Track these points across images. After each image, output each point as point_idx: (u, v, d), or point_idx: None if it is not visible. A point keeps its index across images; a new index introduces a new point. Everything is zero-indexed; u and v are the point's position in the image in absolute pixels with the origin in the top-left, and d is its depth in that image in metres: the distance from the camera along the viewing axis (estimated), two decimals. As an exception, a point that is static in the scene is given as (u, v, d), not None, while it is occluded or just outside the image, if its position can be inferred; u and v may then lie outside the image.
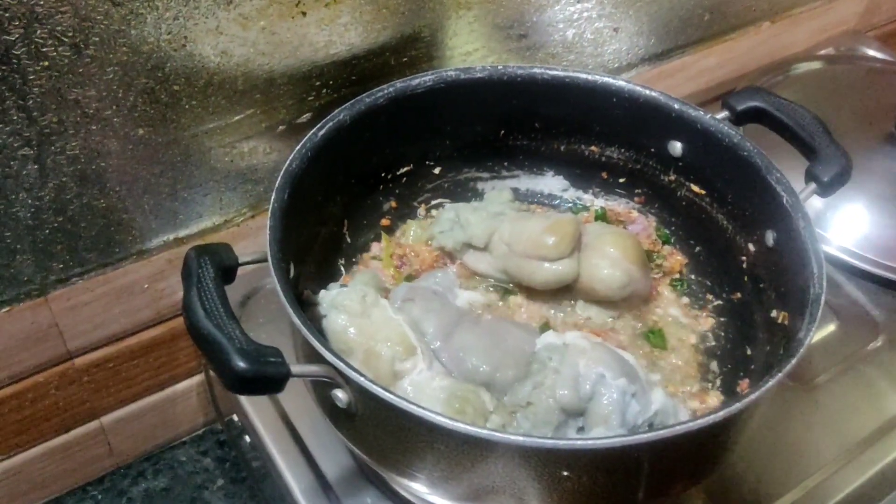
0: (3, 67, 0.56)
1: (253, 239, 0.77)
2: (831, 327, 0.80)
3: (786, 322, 0.61)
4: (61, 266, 0.68)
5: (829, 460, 0.70)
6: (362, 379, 0.49)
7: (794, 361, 0.51)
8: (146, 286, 0.74)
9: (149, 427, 0.85)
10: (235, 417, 0.76)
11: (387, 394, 0.48)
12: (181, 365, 0.83)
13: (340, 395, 0.52)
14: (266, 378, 0.48)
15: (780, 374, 0.50)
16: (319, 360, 0.51)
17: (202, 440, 0.90)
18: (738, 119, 0.69)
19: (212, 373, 0.82)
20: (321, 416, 0.59)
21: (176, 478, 0.87)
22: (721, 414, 0.48)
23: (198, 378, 0.85)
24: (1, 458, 0.76)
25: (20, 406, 0.74)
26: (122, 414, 0.82)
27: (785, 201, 0.62)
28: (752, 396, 0.49)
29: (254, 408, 0.72)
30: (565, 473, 0.49)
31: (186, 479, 0.87)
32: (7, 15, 0.54)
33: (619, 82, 0.72)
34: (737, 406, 0.48)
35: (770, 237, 0.65)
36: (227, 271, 0.55)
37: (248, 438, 0.74)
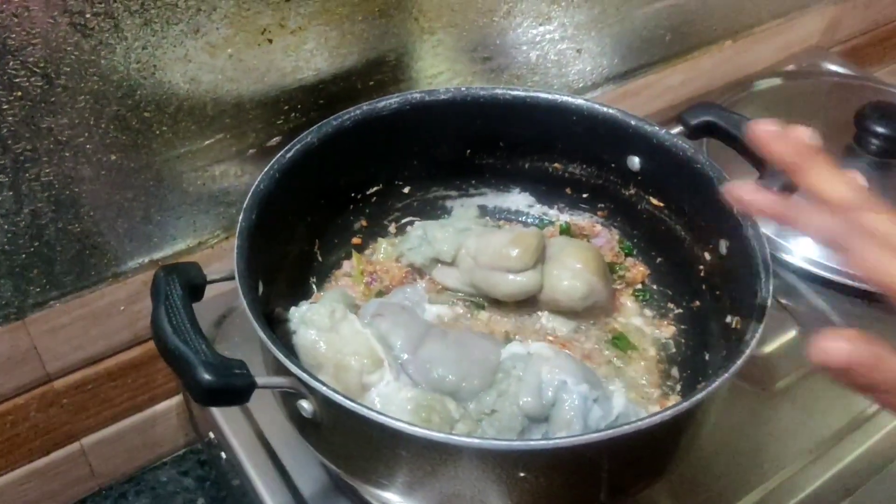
0: (-23, 99, 0.58)
1: (227, 261, 0.77)
2: (792, 333, 0.82)
3: (738, 327, 0.63)
4: (38, 290, 0.70)
5: (790, 462, 0.71)
6: (324, 388, 0.51)
7: (741, 361, 0.53)
8: (123, 308, 0.76)
9: (130, 448, 0.87)
10: (212, 434, 0.78)
11: (347, 401, 0.50)
12: (160, 386, 0.85)
13: (306, 406, 0.54)
14: (232, 389, 0.50)
15: (726, 374, 0.52)
16: (284, 371, 0.52)
17: (183, 461, 0.91)
18: (692, 133, 0.72)
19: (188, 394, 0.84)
20: (292, 430, 0.61)
21: (157, 498, 0.88)
22: (670, 412, 0.50)
23: (177, 399, 0.87)
24: (-17, 481, 0.78)
25: (1, 429, 0.75)
26: (103, 436, 0.84)
27: (735, 211, 0.64)
28: (700, 395, 0.51)
29: (229, 425, 0.73)
30: (522, 474, 0.51)
31: (168, 498, 0.88)
32: (-20, 48, 0.56)
33: (578, 101, 0.74)
34: (685, 404, 0.50)
35: (723, 246, 0.67)
36: (195, 289, 0.58)
37: (224, 455, 0.76)
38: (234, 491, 0.84)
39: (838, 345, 0.42)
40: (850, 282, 0.85)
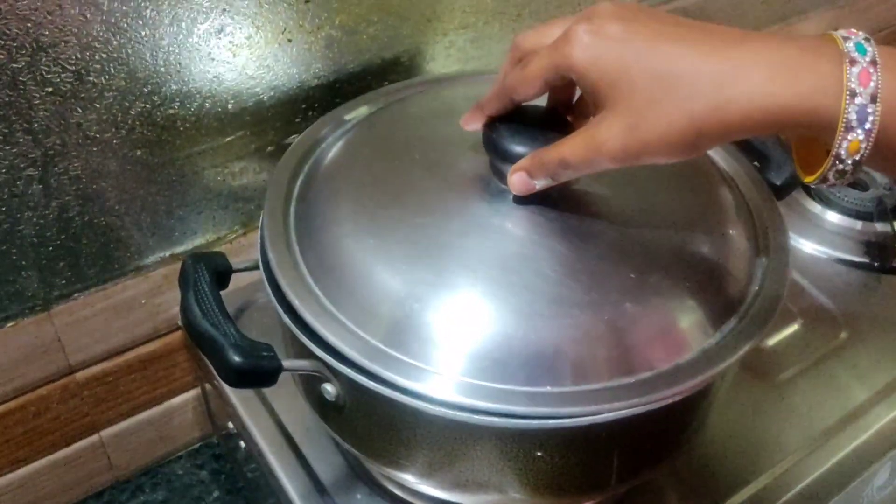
0: (11, 93, 0.60)
1: (245, 255, 0.81)
2: (795, 326, 0.84)
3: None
4: (64, 282, 0.72)
5: (795, 450, 0.73)
6: (349, 370, 0.52)
7: (748, 346, 0.55)
8: (144, 301, 0.78)
9: (147, 441, 0.89)
10: (231, 424, 0.79)
11: (371, 382, 0.51)
12: (177, 380, 0.86)
13: (329, 389, 0.55)
14: (260, 371, 0.52)
15: (732, 358, 0.54)
16: (309, 355, 0.54)
17: (198, 454, 0.93)
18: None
19: (207, 387, 0.86)
20: (312, 418, 0.62)
21: (173, 490, 0.90)
22: (675, 389, 0.52)
23: (193, 392, 0.89)
24: (4, 472, 0.79)
25: (23, 419, 0.77)
26: (121, 428, 0.86)
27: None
28: (704, 376, 0.52)
29: (249, 415, 0.75)
30: (539, 454, 0.53)
31: (183, 491, 0.90)
32: (15, 44, 0.58)
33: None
34: (691, 383, 0.52)
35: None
36: (222, 277, 0.60)
37: (243, 445, 0.78)
38: (249, 483, 0.86)
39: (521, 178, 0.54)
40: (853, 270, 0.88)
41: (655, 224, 0.58)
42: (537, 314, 0.52)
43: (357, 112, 0.71)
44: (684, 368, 0.52)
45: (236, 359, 0.51)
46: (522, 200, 0.56)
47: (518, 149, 0.55)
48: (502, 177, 0.57)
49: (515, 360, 0.51)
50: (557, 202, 0.56)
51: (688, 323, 0.54)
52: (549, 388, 0.50)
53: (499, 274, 0.53)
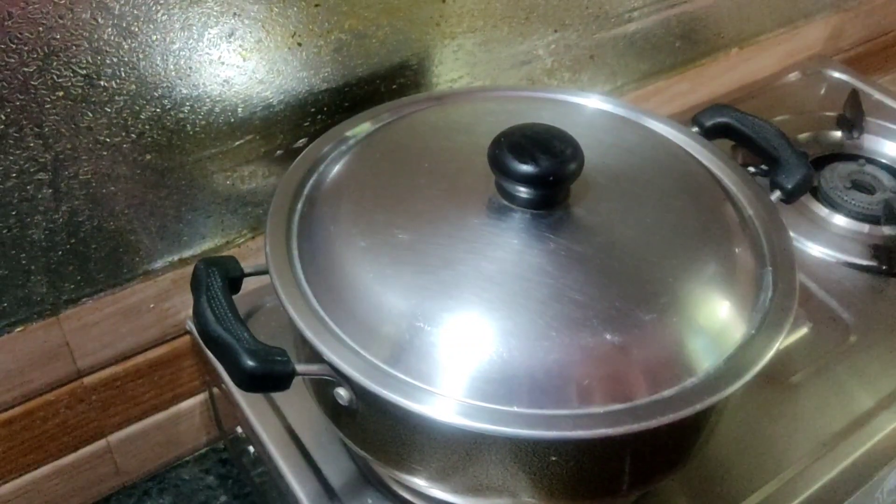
0: (22, 97, 0.60)
1: (253, 259, 0.81)
2: (804, 330, 0.84)
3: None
4: (73, 286, 0.72)
5: (804, 454, 0.73)
6: (362, 378, 0.52)
7: (761, 365, 0.55)
8: (152, 306, 0.78)
9: (154, 446, 0.88)
10: (239, 430, 0.79)
11: (383, 390, 0.51)
12: (184, 384, 0.86)
13: (342, 393, 0.55)
14: (273, 375, 0.52)
15: (747, 376, 0.54)
16: (321, 359, 0.54)
17: (205, 459, 0.93)
18: (707, 135, 0.74)
19: (215, 391, 0.86)
20: (322, 423, 0.62)
21: (180, 495, 0.90)
22: (698, 406, 0.51)
23: (200, 397, 0.89)
24: (12, 476, 0.79)
25: (31, 424, 0.77)
26: (129, 433, 0.85)
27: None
28: (716, 398, 0.52)
29: (258, 420, 0.75)
30: (554, 458, 0.53)
31: (190, 496, 0.90)
32: (26, 48, 0.58)
33: (591, 97, 0.76)
34: (685, 412, 0.51)
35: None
36: (234, 281, 0.59)
37: (251, 449, 0.77)
38: (257, 488, 0.86)
39: None
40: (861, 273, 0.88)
41: (659, 248, 0.58)
42: (542, 336, 0.51)
43: (360, 128, 0.71)
44: (685, 394, 0.52)
45: (250, 363, 0.51)
46: (529, 221, 0.56)
47: (523, 168, 0.55)
48: (507, 195, 0.57)
49: (519, 382, 0.51)
50: (563, 224, 0.56)
51: (690, 348, 0.54)
52: (553, 412, 0.50)
53: (504, 294, 0.53)
